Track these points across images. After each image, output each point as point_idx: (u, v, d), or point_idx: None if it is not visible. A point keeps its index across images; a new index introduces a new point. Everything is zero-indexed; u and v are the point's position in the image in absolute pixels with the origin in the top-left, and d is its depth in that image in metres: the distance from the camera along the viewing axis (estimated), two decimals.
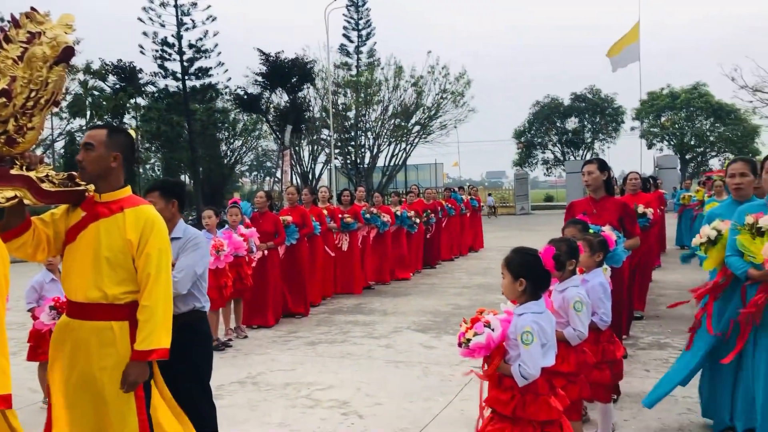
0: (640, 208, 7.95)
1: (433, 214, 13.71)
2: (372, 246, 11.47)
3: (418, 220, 12.79)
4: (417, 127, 37.57)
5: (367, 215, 11.04)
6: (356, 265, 10.83)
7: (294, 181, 34.57)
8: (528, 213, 38.99)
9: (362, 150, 37.41)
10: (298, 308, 9.00)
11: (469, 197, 16.81)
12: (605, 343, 4.12)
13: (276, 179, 36.83)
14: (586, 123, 46.34)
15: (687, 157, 42.84)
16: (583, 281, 3.94)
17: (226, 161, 38.89)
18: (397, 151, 37.74)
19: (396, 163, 37.95)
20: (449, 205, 14.79)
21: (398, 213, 12.08)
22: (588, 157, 43.73)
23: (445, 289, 11.10)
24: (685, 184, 19.59)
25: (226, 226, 7.69)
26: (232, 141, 39.69)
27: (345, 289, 10.75)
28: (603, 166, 5.22)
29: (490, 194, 40.64)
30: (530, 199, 41.73)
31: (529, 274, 3.04)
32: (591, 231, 4.51)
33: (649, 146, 42.71)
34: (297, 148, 36.60)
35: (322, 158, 38.45)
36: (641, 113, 42.59)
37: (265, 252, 8.35)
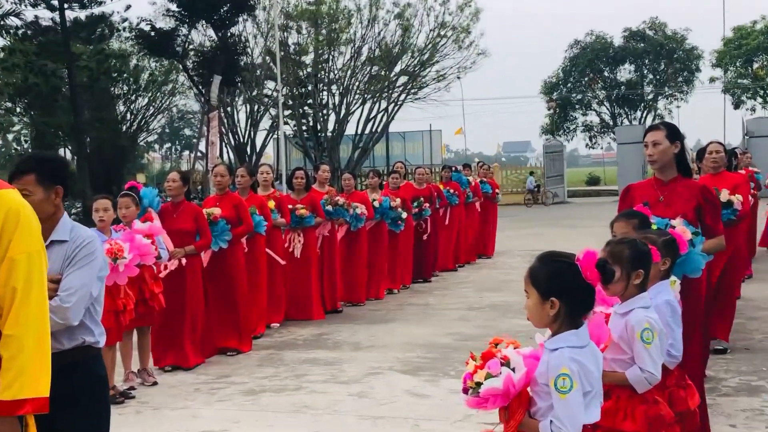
0: (725, 195, 8.02)
1: (427, 204, 13.74)
2: (340, 251, 11.47)
3: (405, 214, 12.80)
4: (403, 78, 37.61)
5: (329, 206, 11.00)
6: (314, 279, 10.82)
7: (225, 158, 34.45)
8: (563, 201, 39.27)
9: (324, 111, 37.37)
10: (231, 341, 8.98)
11: (478, 180, 16.86)
12: (674, 388, 4.14)
13: (199, 154, 36.63)
14: (645, 72, 46.74)
15: None
16: None
17: (125, 128, 38.65)
18: (374, 112, 37.79)
19: (373, 129, 37.97)
20: (450, 191, 14.84)
21: (377, 204, 12.06)
22: (651, 121, 44.13)
23: (443, 311, 11.15)
24: None
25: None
26: (133, 98, 39.45)
27: (300, 314, 10.75)
28: (673, 135, 5.24)
29: (531, 173, 40.68)
30: (566, 181, 42.03)
31: (563, 291, 3.04)
32: (654, 227, 4.53)
33: (737, 105, 43.19)
34: (229, 108, 36.46)
35: (265, 123, 38.39)
36: (724, 57, 43.03)
37: (183, 260, 8.30)
